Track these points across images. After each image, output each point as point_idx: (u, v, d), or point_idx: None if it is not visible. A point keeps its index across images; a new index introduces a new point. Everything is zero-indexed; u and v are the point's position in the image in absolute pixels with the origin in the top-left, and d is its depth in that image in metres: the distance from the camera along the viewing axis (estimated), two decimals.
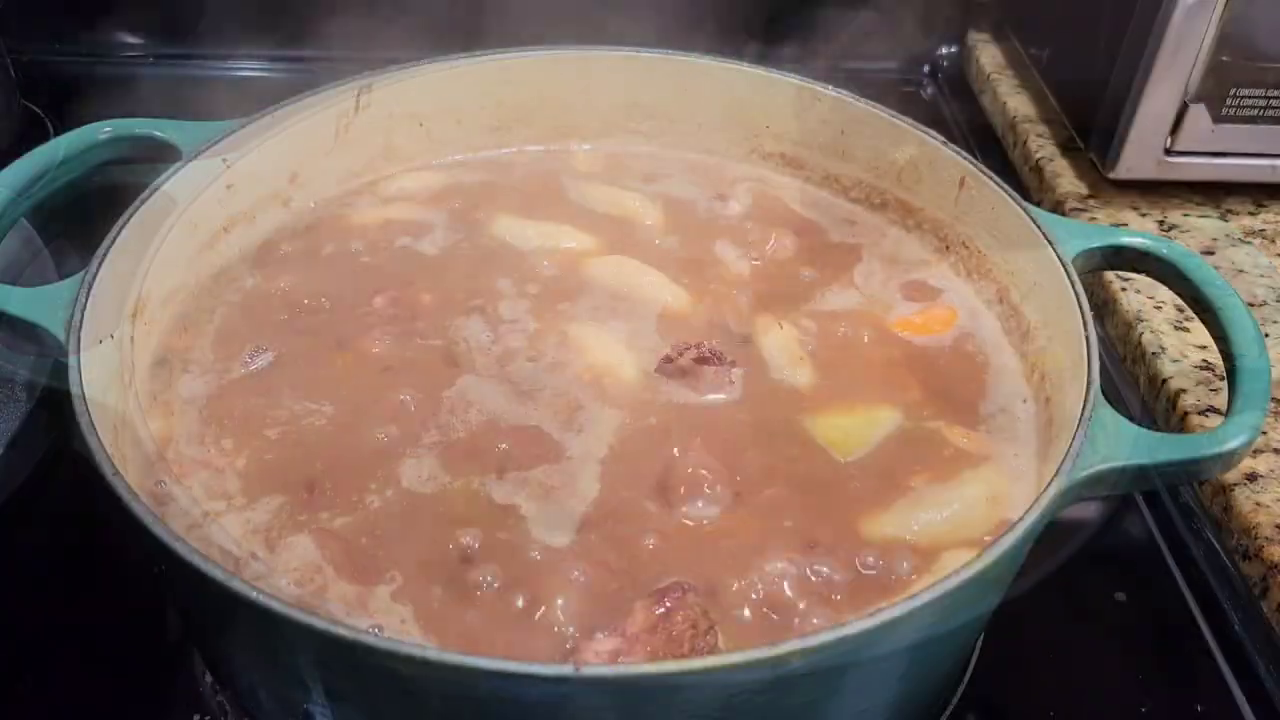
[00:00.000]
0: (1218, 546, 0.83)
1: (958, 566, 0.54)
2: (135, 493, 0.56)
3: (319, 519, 0.65)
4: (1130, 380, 0.97)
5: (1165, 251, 0.73)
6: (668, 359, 0.75)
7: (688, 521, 0.65)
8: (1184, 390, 0.90)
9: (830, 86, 0.91)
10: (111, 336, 0.70)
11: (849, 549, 0.64)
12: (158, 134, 0.80)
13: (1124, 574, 0.83)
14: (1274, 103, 1.02)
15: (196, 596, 0.59)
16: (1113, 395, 0.96)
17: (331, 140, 0.90)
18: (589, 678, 0.49)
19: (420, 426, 0.71)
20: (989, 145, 1.31)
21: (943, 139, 0.85)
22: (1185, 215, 1.10)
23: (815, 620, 0.60)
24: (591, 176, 0.95)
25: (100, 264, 0.69)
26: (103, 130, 0.78)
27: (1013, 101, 1.29)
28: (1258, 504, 0.80)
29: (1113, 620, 0.80)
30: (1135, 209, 1.11)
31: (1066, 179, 1.15)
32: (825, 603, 0.62)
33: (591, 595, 0.61)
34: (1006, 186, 0.80)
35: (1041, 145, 1.21)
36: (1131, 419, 0.63)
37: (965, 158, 0.83)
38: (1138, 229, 1.02)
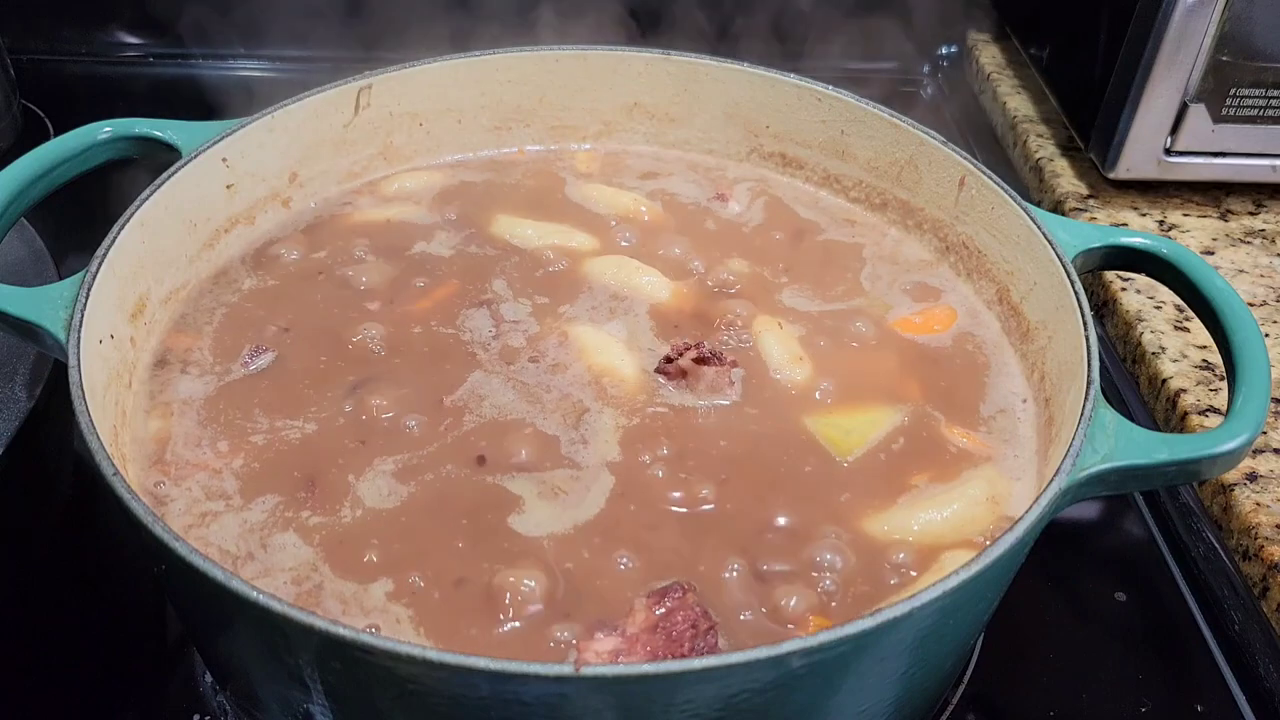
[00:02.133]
0: (1218, 546, 0.83)
1: (958, 566, 0.54)
2: (135, 493, 0.55)
3: (317, 519, 0.65)
4: (1130, 380, 0.97)
5: (1165, 251, 0.73)
6: (668, 359, 0.75)
7: (688, 521, 0.65)
8: (1184, 390, 0.90)
9: (830, 86, 0.91)
10: (111, 336, 0.70)
11: (849, 549, 0.64)
12: (158, 134, 0.80)
13: (1124, 574, 0.83)
14: (1274, 103, 1.02)
15: (196, 596, 0.59)
16: (1113, 395, 0.96)
17: (331, 140, 0.90)
18: (589, 678, 0.49)
19: (419, 427, 0.71)
20: (989, 145, 1.31)
21: (943, 139, 0.85)
22: (1185, 215, 1.10)
23: (815, 620, 0.60)
24: (591, 176, 0.95)
25: (100, 264, 0.69)
26: (103, 130, 0.78)
27: (1013, 101, 1.29)
28: (1258, 504, 0.80)
29: (1113, 620, 0.80)
30: (1135, 209, 1.11)
31: (1066, 179, 1.15)
32: (826, 602, 0.62)
33: (591, 594, 0.61)
34: (1006, 186, 0.80)
35: (1041, 145, 1.21)
36: (1131, 419, 0.63)
37: (965, 158, 0.83)
38: (1138, 229, 1.02)
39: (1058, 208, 1.13)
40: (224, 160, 0.82)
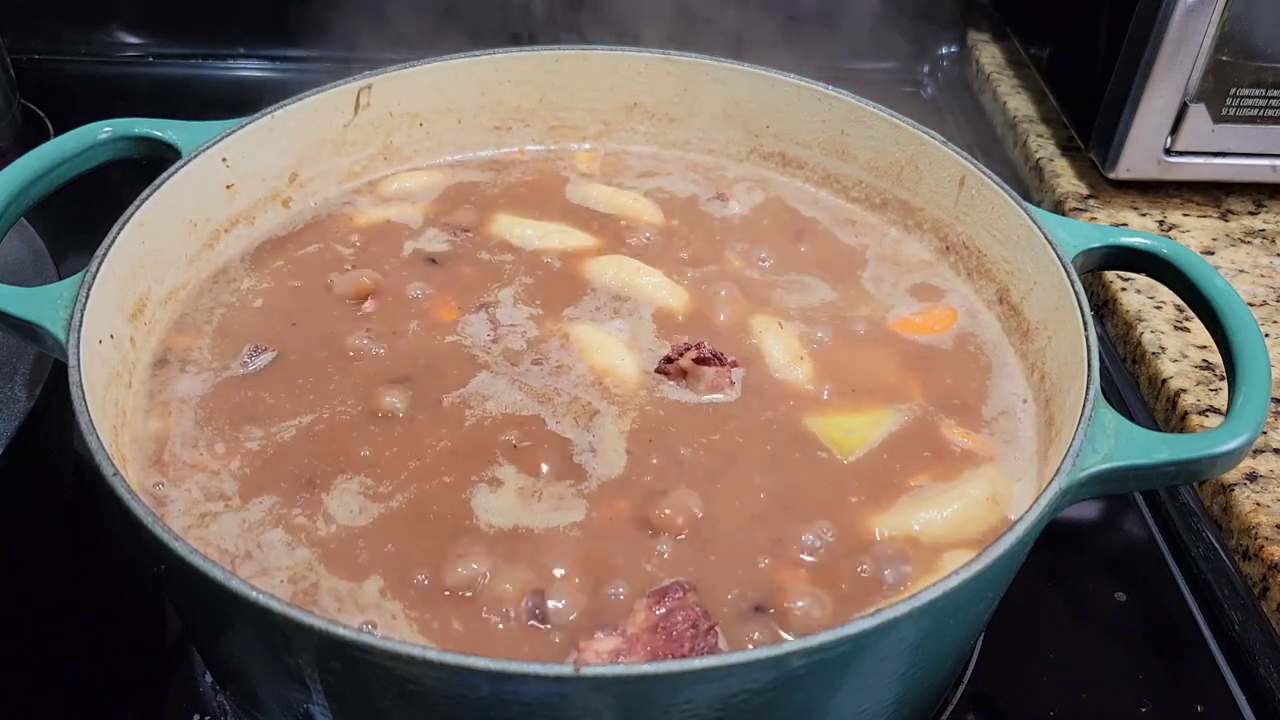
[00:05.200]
0: (1218, 546, 0.83)
1: (958, 566, 0.54)
2: (135, 493, 0.55)
3: (315, 518, 0.65)
4: (1130, 380, 0.97)
5: (1165, 251, 0.73)
6: (668, 359, 0.75)
7: (689, 520, 0.65)
8: (1184, 390, 0.90)
9: (830, 86, 0.91)
10: (111, 336, 0.70)
11: (850, 549, 0.64)
12: (158, 134, 0.80)
13: (1124, 574, 0.83)
14: (1274, 103, 1.02)
15: (196, 596, 0.59)
16: (1113, 395, 0.96)
17: (331, 140, 0.90)
18: (589, 678, 0.49)
19: (419, 426, 0.71)
20: (989, 145, 1.31)
21: (943, 139, 0.85)
22: (1185, 215, 1.10)
23: (816, 620, 0.60)
24: (591, 176, 0.95)
25: (100, 264, 0.69)
26: (103, 130, 0.78)
27: (1013, 101, 1.29)
28: (1258, 504, 0.80)
29: (1113, 620, 0.80)
30: (1135, 209, 1.11)
31: (1066, 179, 1.15)
32: (826, 602, 0.62)
33: (592, 593, 0.61)
34: (1006, 186, 0.80)
35: (1041, 145, 1.21)
36: (1131, 419, 0.63)
37: (965, 158, 0.83)
38: (1138, 229, 1.02)
39: (1058, 208, 1.13)
40: (224, 160, 0.82)
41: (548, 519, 0.65)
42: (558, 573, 0.62)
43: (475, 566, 0.62)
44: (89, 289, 0.67)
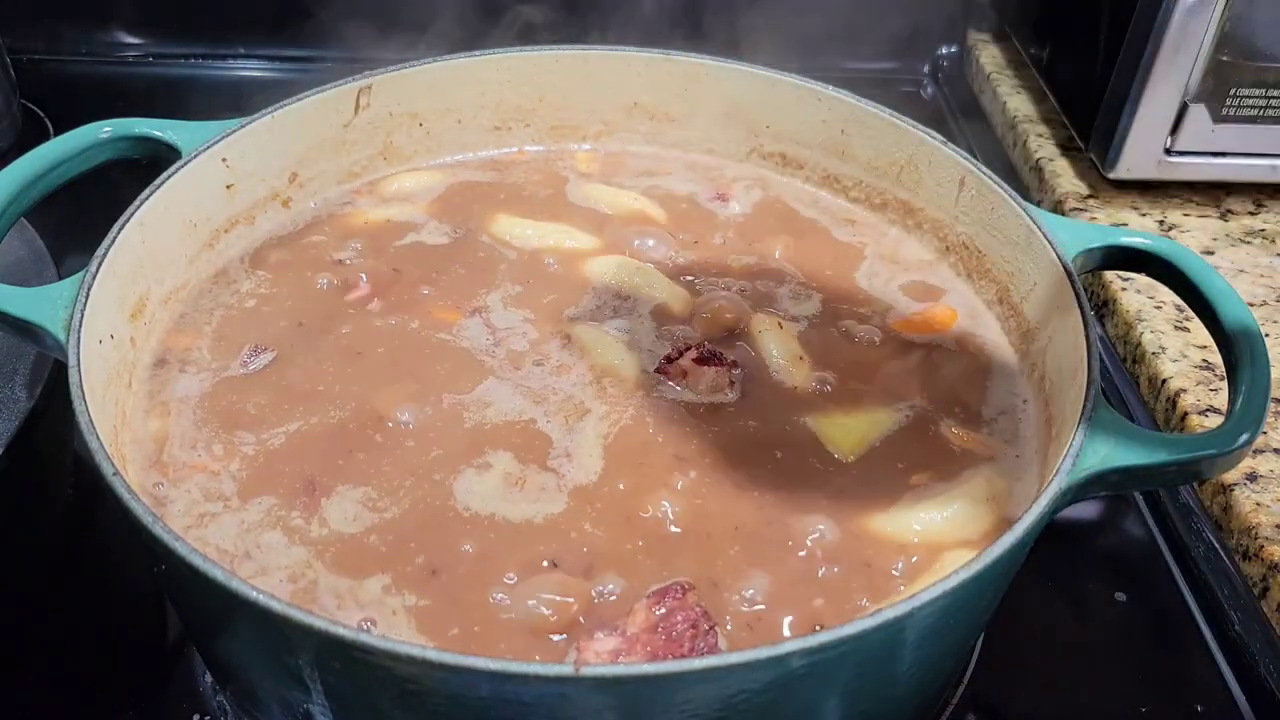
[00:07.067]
0: (1218, 546, 0.83)
1: (958, 566, 0.54)
2: (135, 493, 0.55)
3: (314, 518, 0.65)
4: (1130, 380, 0.97)
5: (1165, 251, 0.73)
6: (668, 359, 0.75)
7: (688, 519, 0.65)
8: (1184, 390, 0.90)
9: (830, 86, 0.91)
10: (111, 336, 0.70)
11: (850, 548, 0.64)
12: (158, 134, 0.80)
13: (1124, 574, 0.83)
14: (1274, 103, 1.02)
15: (196, 596, 0.59)
16: (1113, 395, 0.96)
17: (331, 140, 0.90)
18: (589, 678, 0.49)
19: (419, 427, 0.71)
20: (989, 145, 1.31)
21: (943, 139, 0.85)
22: (1185, 215, 1.10)
23: (816, 620, 0.60)
24: (591, 176, 0.95)
25: (100, 264, 0.69)
26: (103, 130, 0.78)
27: (1013, 101, 1.29)
28: (1258, 504, 0.80)
29: (1113, 620, 0.80)
30: (1135, 209, 1.11)
31: (1066, 179, 1.15)
32: (826, 602, 0.61)
33: (590, 595, 0.61)
34: (1006, 186, 0.80)
35: (1041, 145, 1.21)
36: (1131, 419, 0.63)
37: (965, 158, 0.83)
38: (1138, 229, 1.02)
39: (1058, 208, 1.13)
40: (224, 160, 0.82)
41: (531, 510, 0.65)
42: (547, 566, 0.62)
43: (471, 558, 0.62)
44: (89, 289, 0.67)
